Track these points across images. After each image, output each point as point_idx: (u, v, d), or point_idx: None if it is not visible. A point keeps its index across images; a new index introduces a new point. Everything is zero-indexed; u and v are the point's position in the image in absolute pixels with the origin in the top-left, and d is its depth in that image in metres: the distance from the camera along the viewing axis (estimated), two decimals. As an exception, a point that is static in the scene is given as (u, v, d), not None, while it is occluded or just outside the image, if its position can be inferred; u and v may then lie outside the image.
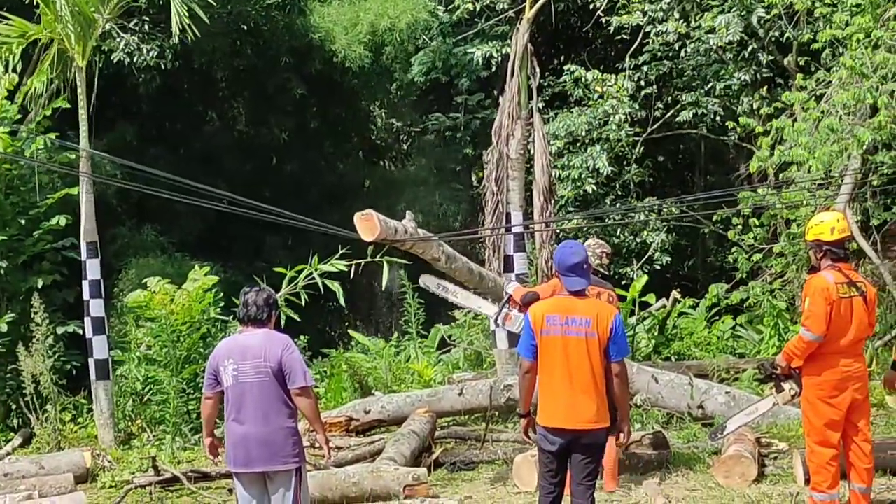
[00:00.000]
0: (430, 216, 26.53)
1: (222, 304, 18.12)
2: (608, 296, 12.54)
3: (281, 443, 9.57)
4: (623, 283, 22.95)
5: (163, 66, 23.17)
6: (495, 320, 13.57)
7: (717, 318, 21.49)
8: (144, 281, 18.11)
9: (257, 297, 9.84)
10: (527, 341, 9.46)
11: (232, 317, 17.60)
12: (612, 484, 12.63)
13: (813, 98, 18.86)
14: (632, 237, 24.19)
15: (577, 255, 9.53)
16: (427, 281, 14.26)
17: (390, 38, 25.81)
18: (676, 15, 23.57)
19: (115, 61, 22.29)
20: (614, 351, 9.34)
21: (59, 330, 19.11)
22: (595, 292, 11.97)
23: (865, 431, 10.72)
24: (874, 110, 17.69)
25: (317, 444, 10.90)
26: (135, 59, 22.63)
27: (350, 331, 23.82)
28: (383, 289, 16.68)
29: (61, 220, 19.52)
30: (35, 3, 17.90)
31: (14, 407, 18.23)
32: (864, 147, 17.43)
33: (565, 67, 25.24)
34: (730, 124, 21.27)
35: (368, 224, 13.40)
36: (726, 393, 15.69)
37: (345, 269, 17.50)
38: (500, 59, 24.80)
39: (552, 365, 9.31)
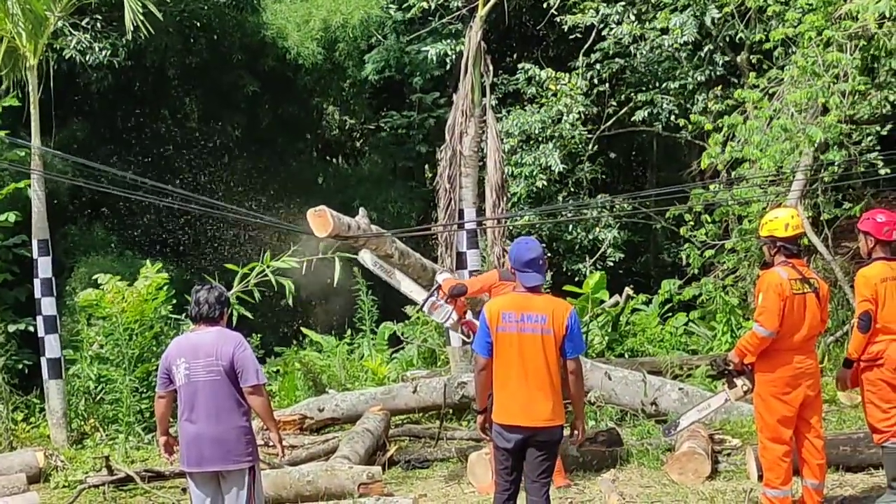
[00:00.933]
0: (384, 213, 26.47)
1: (174, 301, 18.02)
2: None
3: (234, 442, 9.54)
4: (576, 279, 23.02)
5: (116, 65, 23.01)
6: (421, 307, 13.57)
7: (669, 314, 21.55)
8: (95, 277, 17.99)
9: (209, 294, 9.82)
10: (482, 338, 9.42)
11: (184, 315, 17.53)
12: (560, 479, 12.66)
13: (766, 97, 18.97)
14: (584, 234, 24.21)
15: (533, 250, 9.51)
16: (365, 256, 14.19)
17: (343, 34, 25.82)
18: (632, 17, 23.59)
19: (67, 58, 22.12)
20: (570, 348, 9.33)
21: (11, 328, 19.02)
22: None
23: (818, 428, 10.79)
24: (826, 108, 17.81)
25: (270, 443, 10.90)
26: (87, 58, 22.46)
27: (303, 328, 23.76)
28: (335, 285, 16.59)
29: (10, 216, 19.42)
30: (-15, 1, 17.76)
31: (-35, 407, 18.12)
32: (815, 145, 17.56)
33: (519, 66, 25.27)
34: (681, 122, 21.37)
35: (321, 220, 13.35)
36: (679, 389, 15.73)
37: (297, 265, 17.44)
38: (454, 57, 24.77)
39: (508, 362, 9.30)
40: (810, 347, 10.76)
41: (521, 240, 9.83)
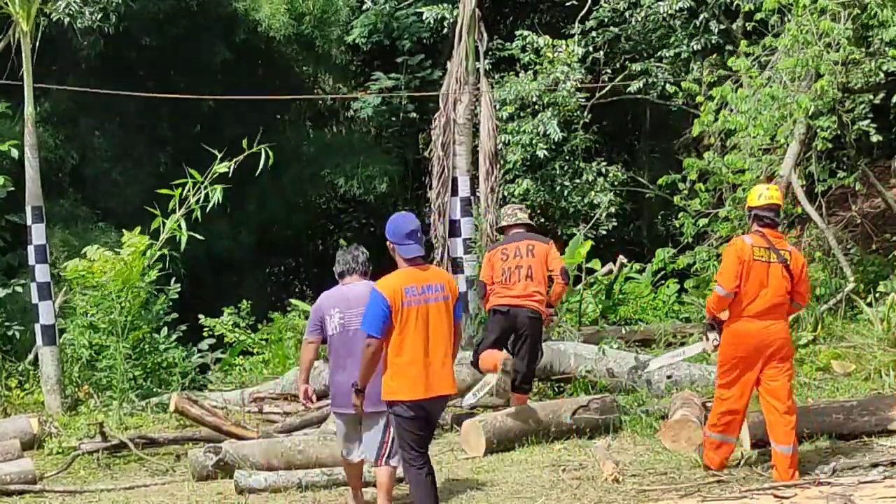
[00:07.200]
0: (371, 181, 26.45)
1: (159, 266, 17.82)
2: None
3: (377, 386, 9.79)
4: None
5: (107, 30, 22.87)
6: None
7: (662, 282, 21.58)
8: (84, 251, 17.86)
9: (358, 252, 11.01)
10: (378, 319, 9.44)
11: (173, 279, 17.69)
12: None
13: (756, 65, 18.94)
14: (579, 199, 24.11)
15: (412, 222, 9.75)
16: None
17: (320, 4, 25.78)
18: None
19: (55, 20, 21.92)
20: (460, 311, 9.83)
21: (1, 293, 19.04)
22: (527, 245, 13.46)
23: (781, 393, 11.13)
24: (819, 76, 17.77)
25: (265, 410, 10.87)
26: (77, 22, 22.28)
27: (291, 300, 23.82)
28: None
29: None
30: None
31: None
32: (809, 112, 17.53)
33: (516, 33, 25.12)
34: (674, 90, 21.32)
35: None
36: (668, 378, 15.50)
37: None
38: (451, 21, 24.63)
39: (416, 336, 9.47)
40: (778, 314, 11.16)
41: (397, 214, 9.98)
